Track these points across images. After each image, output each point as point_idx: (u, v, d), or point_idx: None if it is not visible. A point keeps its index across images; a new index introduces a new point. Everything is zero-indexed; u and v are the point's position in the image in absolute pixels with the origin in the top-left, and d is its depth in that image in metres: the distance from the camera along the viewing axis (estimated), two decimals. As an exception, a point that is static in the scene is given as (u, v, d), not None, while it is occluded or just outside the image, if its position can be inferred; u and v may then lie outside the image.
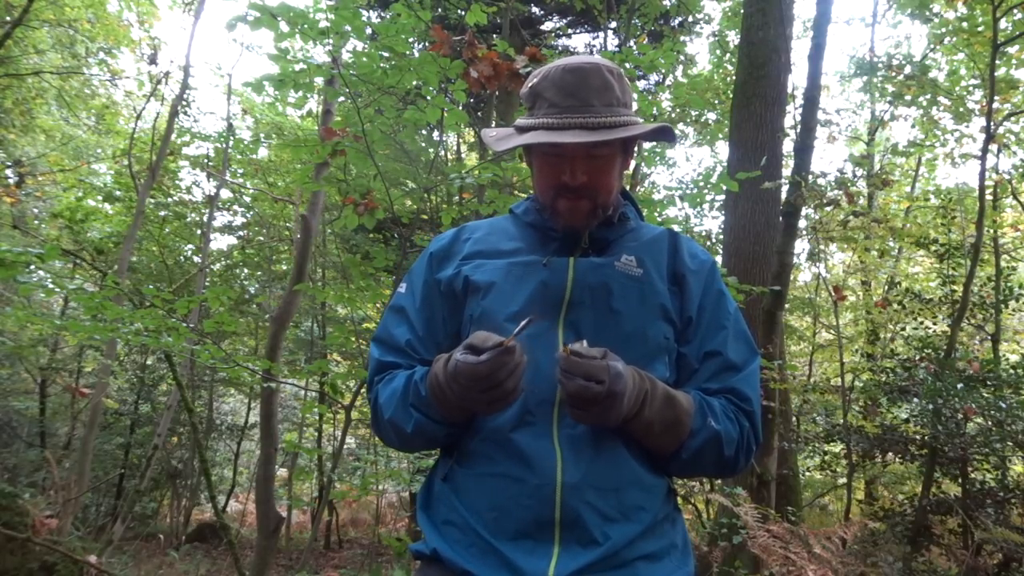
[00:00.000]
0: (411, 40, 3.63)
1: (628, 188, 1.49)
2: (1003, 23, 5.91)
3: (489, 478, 1.05)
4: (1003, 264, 6.66)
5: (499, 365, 0.94)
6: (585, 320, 1.09)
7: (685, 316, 1.15)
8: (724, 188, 3.77)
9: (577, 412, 0.98)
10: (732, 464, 1.10)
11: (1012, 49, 6.88)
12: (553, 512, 1.00)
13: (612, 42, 8.65)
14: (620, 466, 1.05)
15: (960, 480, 4.65)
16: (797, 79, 6.44)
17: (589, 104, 1.10)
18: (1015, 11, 5.90)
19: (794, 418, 5.95)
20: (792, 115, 6.29)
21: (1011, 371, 4.60)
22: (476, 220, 1.33)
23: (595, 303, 1.10)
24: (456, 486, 1.09)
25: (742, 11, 6.41)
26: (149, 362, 9.55)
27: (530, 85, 1.18)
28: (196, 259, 9.50)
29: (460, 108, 3.38)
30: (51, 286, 3.57)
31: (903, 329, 6.19)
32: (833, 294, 6.63)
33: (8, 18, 7.01)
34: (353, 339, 6.45)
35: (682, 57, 9.59)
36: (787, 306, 6.96)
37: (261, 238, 10.14)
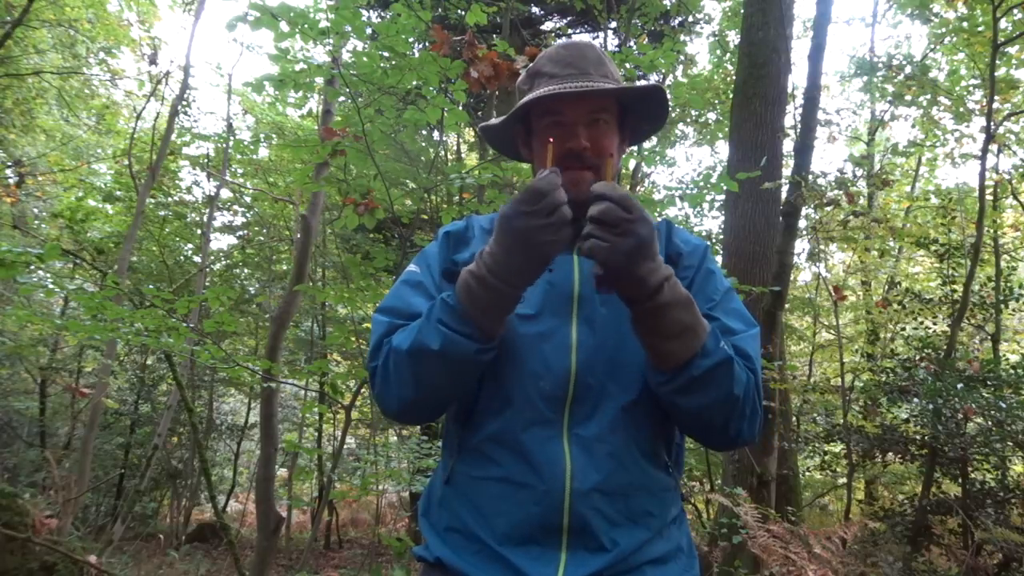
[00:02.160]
0: (411, 40, 3.63)
1: (628, 189, 1.48)
2: (1003, 23, 5.91)
3: (494, 482, 1.02)
4: (1003, 264, 6.66)
5: (558, 182, 0.92)
6: (598, 314, 1.08)
7: None
8: (724, 188, 3.78)
9: (608, 239, 0.90)
10: (740, 410, 1.01)
11: (1012, 49, 6.88)
12: (561, 518, 0.98)
13: (612, 42, 8.66)
14: (630, 470, 1.02)
15: (960, 480, 4.65)
16: (797, 79, 6.45)
17: (586, 72, 1.14)
18: (1015, 11, 5.90)
19: (794, 418, 5.95)
20: (792, 115, 6.29)
21: (1011, 371, 4.60)
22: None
23: (604, 298, 1.08)
24: (459, 489, 1.07)
25: (742, 11, 6.41)
26: (149, 362, 9.55)
27: (528, 70, 1.22)
28: (196, 259, 9.50)
29: (460, 108, 3.39)
30: (51, 286, 3.57)
31: (903, 329, 6.19)
32: (833, 294, 6.63)
33: (8, 18, 7.01)
34: (353, 339, 6.45)
35: (682, 57, 9.60)
36: (787, 306, 6.97)
37: (261, 238, 10.14)
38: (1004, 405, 4.20)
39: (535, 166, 1.21)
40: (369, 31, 3.38)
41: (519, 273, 0.96)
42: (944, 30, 8.20)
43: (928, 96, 7.60)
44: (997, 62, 5.34)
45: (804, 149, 4.52)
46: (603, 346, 1.05)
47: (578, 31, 9.81)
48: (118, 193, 8.99)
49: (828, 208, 4.94)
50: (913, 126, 8.49)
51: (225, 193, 9.50)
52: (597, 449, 1.01)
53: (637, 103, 1.19)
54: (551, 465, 0.99)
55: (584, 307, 1.08)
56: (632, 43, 8.11)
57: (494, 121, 1.24)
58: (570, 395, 1.03)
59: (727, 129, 6.82)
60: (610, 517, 1.00)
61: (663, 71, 9.25)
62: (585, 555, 0.98)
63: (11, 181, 9.09)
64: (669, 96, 1.20)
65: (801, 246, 6.51)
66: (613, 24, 8.58)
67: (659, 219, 1.24)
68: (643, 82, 1.15)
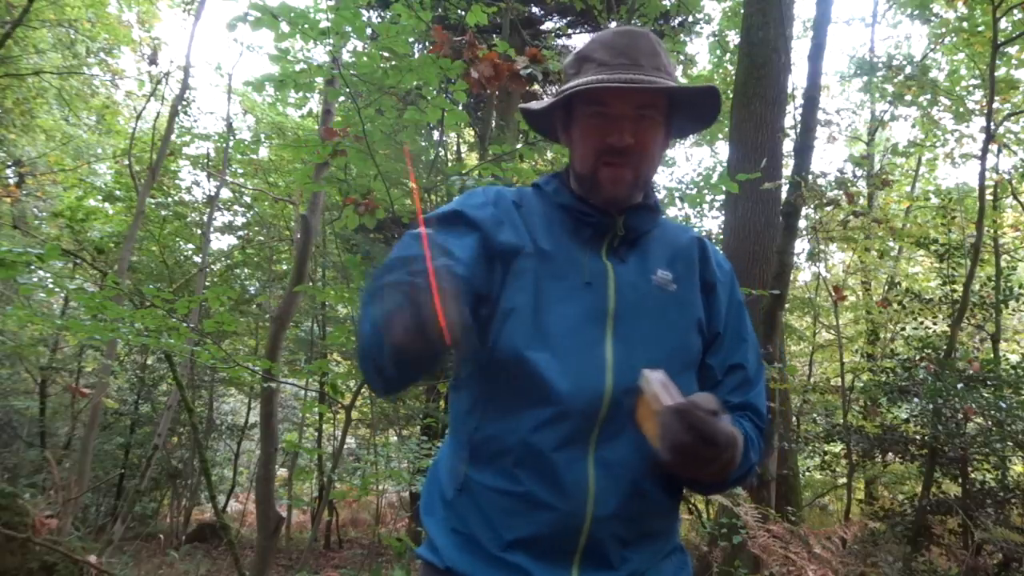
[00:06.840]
0: (411, 40, 3.63)
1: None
2: (1003, 23, 5.91)
3: (512, 498, 1.00)
4: (1003, 264, 6.66)
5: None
6: (634, 334, 1.05)
7: (713, 330, 1.14)
8: (724, 189, 3.77)
9: (675, 460, 0.89)
10: (745, 481, 1.15)
11: (1012, 49, 6.88)
12: (579, 540, 0.98)
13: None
14: (647, 496, 1.03)
15: (960, 480, 4.66)
16: (797, 79, 6.43)
17: (638, 64, 1.07)
18: (1015, 11, 5.91)
19: (794, 418, 5.95)
20: (792, 115, 6.29)
21: (1011, 371, 4.61)
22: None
23: (639, 315, 1.07)
24: (473, 499, 1.03)
25: (742, 11, 6.41)
26: (149, 362, 9.54)
27: (576, 53, 1.15)
28: (196, 259, 9.50)
29: (460, 108, 3.39)
30: (51, 286, 3.57)
31: (903, 329, 6.20)
32: (833, 294, 6.63)
33: (8, 18, 7.01)
34: (353, 339, 6.44)
35: (682, 57, 9.59)
36: (787, 306, 6.96)
37: (261, 238, 10.14)
38: (1004, 405, 4.20)
39: (572, 153, 1.15)
40: (369, 31, 3.38)
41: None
42: (944, 30, 8.21)
43: (928, 96, 7.60)
44: (997, 62, 5.34)
45: (804, 149, 4.52)
46: (638, 366, 1.00)
47: (578, 31, 9.81)
48: (118, 193, 8.99)
49: (828, 208, 4.94)
50: (913, 126, 8.49)
51: (225, 193, 9.50)
52: (620, 474, 1.00)
53: (687, 101, 1.13)
54: (575, 488, 0.98)
55: (620, 324, 1.05)
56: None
57: (535, 105, 1.17)
58: (602, 416, 1.00)
59: (727, 129, 6.81)
60: (624, 539, 1.01)
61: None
62: (594, 572, 1.00)
63: (11, 181, 9.10)
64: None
65: (801, 246, 6.51)
66: (613, 24, 8.58)
67: (694, 230, 1.24)
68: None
